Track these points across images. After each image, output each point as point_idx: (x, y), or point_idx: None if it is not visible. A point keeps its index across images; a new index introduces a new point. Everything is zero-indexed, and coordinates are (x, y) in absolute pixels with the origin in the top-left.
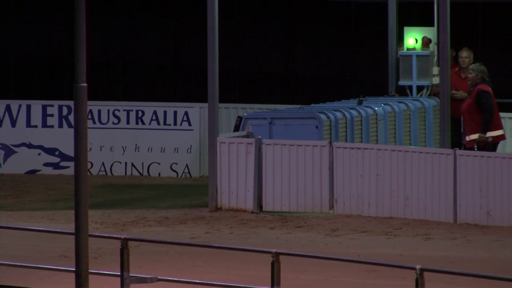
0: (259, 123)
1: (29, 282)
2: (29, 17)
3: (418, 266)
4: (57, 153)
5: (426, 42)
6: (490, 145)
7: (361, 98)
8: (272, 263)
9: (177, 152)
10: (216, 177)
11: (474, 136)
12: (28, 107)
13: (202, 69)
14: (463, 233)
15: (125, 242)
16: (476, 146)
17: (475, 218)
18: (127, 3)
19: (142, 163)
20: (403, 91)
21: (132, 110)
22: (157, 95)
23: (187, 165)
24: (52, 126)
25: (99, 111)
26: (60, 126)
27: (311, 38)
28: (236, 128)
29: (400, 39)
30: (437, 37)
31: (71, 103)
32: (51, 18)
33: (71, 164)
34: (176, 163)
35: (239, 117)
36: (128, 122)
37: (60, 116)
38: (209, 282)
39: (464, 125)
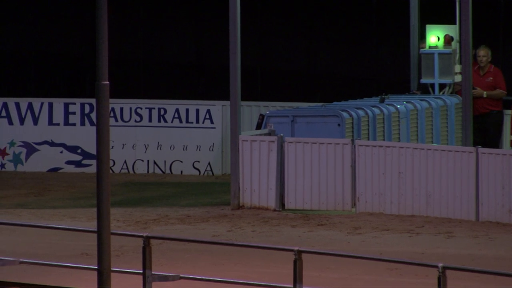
0: (281, 121)
1: (51, 279)
2: (50, 14)
3: (440, 264)
4: (79, 151)
5: (448, 40)
6: None
7: (383, 96)
8: (295, 261)
9: (199, 150)
10: (238, 175)
11: None
12: (50, 105)
13: (224, 67)
14: (485, 231)
15: (147, 240)
16: None
17: (497, 216)
18: (149, 1)
19: (164, 161)
20: (425, 89)
21: (154, 108)
22: (179, 93)
23: (209, 163)
24: (74, 124)
25: (121, 109)
26: (82, 124)
27: (333, 36)
28: (258, 126)
29: (422, 37)
30: (459, 35)
31: (93, 101)
32: (73, 16)
33: (93, 162)
34: (198, 161)
35: (261, 115)
36: (150, 120)
37: (82, 114)
38: (231, 280)
39: None
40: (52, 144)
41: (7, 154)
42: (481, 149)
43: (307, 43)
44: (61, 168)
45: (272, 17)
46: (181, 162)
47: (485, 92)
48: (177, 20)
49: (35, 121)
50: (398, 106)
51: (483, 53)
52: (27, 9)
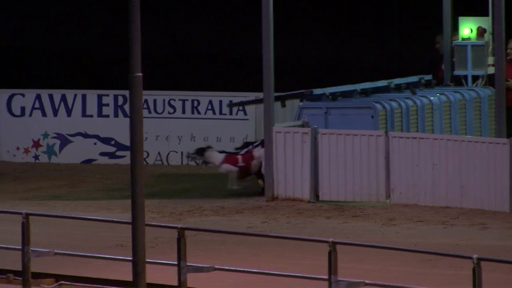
0: (315, 113)
1: (86, 271)
2: (84, 9)
3: (475, 256)
4: (113, 142)
5: (481, 32)
6: None
7: (413, 88)
8: (329, 253)
9: (233, 141)
10: (272, 166)
11: None
12: (84, 97)
13: (257, 58)
14: None
15: (181, 231)
16: None
17: None
18: None
19: None
20: (458, 81)
21: (187, 100)
22: (212, 85)
23: None
24: (107, 116)
25: (155, 101)
26: (116, 115)
27: (366, 27)
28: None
29: (455, 29)
30: (492, 27)
31: (126, 92)
32: (109, 7)
33: (127, 153)
34: None
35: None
36: (183, 112)
37: (116, 106)
38: (266, 272)
39: None
40: (85, 135)
41: (41, 146)
42: None
43: (338, 35)
44: (95, 160)
45: (303, 9)
46: None
47: None
48: (211, 12)
49: (69, 112)
50: (432, 98)
51: (511, 45)
52: (62, 3)
